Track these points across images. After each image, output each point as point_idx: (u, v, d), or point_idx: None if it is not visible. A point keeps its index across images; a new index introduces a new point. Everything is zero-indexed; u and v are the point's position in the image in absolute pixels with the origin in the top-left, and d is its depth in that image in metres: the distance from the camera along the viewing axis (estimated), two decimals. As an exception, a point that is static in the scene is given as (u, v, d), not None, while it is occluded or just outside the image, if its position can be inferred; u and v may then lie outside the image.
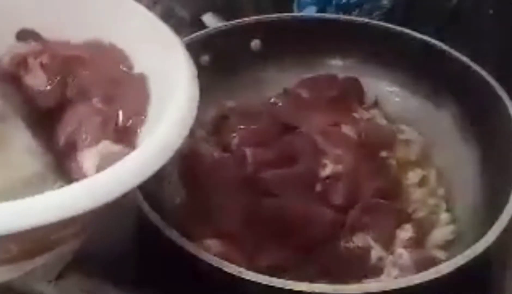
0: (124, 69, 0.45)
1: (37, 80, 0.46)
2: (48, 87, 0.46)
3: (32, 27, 0.47)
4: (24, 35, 0.47)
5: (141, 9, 0.47)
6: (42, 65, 0.46)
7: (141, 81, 0.45)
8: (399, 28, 0.69)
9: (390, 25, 0.69)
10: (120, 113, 0.44)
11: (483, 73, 0.62)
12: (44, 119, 0.46)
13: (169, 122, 0.38)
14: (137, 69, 0.45)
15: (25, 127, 0.44)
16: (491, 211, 0.52)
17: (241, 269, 0.46)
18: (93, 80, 0.46)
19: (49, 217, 0.32)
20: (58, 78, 0.46)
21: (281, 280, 0.45)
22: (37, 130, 0.45)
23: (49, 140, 0.45)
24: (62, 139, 0.44)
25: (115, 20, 0.47)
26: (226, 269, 0.46)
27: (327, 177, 0.58)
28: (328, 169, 0.59)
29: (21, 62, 0.46)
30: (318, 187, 0.58)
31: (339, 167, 0.59)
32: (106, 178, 0.34)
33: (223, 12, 0.78)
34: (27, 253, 0.37)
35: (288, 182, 0.57)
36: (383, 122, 0.67)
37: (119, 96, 0.45)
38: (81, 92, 0.46)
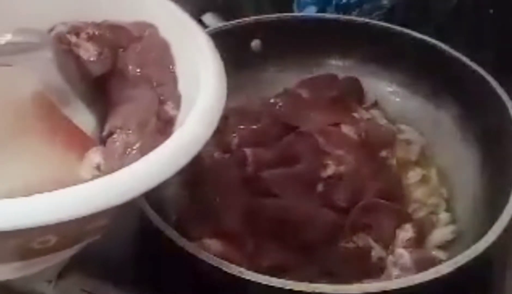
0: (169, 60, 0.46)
1: (87, 52, 0.46)
2: (99, 56, 0.46)
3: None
4: None
5: (167, 2, 0.47)
6: (89, 37, 0.46)
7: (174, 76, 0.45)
8: (399, 28, 0.69)
9: (390, 25, 0.69)
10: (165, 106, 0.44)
11: (483, 73, 0.62)
12: (98, 94, 0.46)
13: (197, 118, 0.39)
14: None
15: (85, 108, 0.44)
16: (491, 211, 0.52)
17: (241, 269, 0.46)
18: (144, 59, 0.46)
19: (84, 208, 0.32)
20: (106, 48, 0.46)
21: (281, 280, 0.45)
22: (91, 108, 0.45)
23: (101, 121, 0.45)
24: (106, 129, 0.44)
25: (144, 14, 0.47)
26: (226, 269, 0.46)
27: (329, 177, 0.58)
28: (329, 170, 0.58)
29: (63, 40, 0.46)
30: (320, 188, 0.58)
31: (341, 168, 0.59)
32: (136, 171, 0.35)
33: (223, 12, 0.78)
34: (60, 245, 0.37)
35: (288, 182, 0.57)
36: (383, 122, 0.67)
37: (165, 85, 0.45)
38: (132, 67, 0.46)
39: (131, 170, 0.35)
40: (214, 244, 0.52)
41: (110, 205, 0.33)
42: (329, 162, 0.59)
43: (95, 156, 0.42)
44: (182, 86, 0.45)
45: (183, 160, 0.36)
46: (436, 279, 0.46)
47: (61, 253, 0.38)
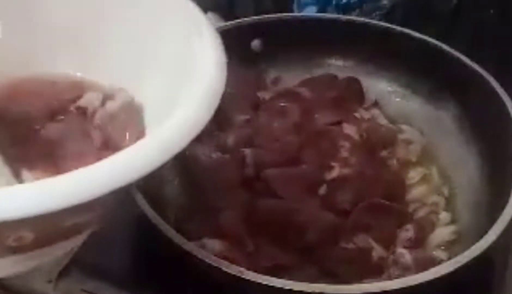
0: None
1: None
2: None
3: None
4: None
5: None
6: None
7: None
8: (399, 28, 0.69)
9: (390, 25, 0.69)
10: None
11: (483, 73, 0.62)
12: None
13: (196, 100, 0.37)
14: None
15: None
16: (491, 211, 0.52)
17: (241, 269, 0.46)
18: None
19: (74, 197, 0.31)
20: None
21: (281, 280, 0.45)
22: None
23: None
24: None
25: None
26: (226, 269, 0.46)
27: (332, 179, 0.58)
28: (334, 172, 0.58)
29: None
30: (322, 189, 0.58)
31: (345, 170, 0.58)
32: (130, 155, 0.33)
33: (223, 12, 0.78)
34: (40, 241, 0.35)
35: (290, 182, 0.57)
36: (383, 122, 0.67)
37: None
38: None
39: (124, 154, 0.33)
40: (214, 244, 0.52)
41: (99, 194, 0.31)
42: (333, 163, 0.59)
43: None
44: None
45: (180, 144, 0.35)
46: (436, 279, 0.46)
47: (55, 247, 0.38)
